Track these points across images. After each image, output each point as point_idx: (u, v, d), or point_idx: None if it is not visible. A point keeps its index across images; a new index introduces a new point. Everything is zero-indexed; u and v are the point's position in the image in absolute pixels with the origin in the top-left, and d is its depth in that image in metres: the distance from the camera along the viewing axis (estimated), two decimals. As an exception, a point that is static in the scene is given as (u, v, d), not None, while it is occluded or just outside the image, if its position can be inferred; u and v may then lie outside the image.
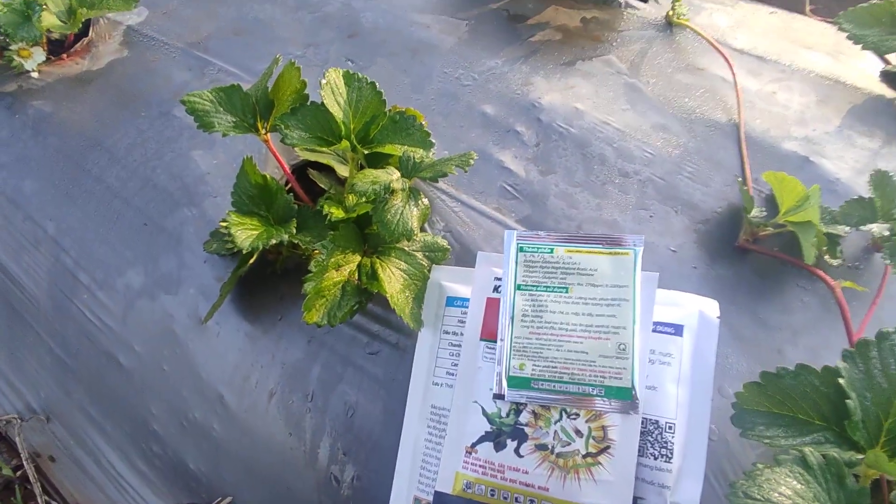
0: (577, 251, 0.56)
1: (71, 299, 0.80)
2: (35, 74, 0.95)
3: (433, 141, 0.65)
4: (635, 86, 0.84)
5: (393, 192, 0.58)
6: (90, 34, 1.01)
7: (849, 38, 0.82)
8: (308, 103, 0.67)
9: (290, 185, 0.72)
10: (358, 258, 0.63)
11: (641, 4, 0.97)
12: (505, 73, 0.87)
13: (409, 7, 0.99)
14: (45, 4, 0.91)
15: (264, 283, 0.70)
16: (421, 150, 0.65)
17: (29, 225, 0.84)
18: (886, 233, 0.60)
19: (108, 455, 0.80)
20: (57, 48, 0.99)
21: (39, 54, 0.95)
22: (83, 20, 0.95)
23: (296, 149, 0.74)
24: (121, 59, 0.97)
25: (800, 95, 0.82)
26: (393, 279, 0.61)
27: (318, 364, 0.66)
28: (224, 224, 0.67)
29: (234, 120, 0.67)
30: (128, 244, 0.78)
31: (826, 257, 0.64)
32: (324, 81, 0.65)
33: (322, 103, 0.65)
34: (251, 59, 0.93)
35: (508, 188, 0.75)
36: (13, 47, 0.93)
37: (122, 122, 0.88)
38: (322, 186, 0.75)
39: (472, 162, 0.60)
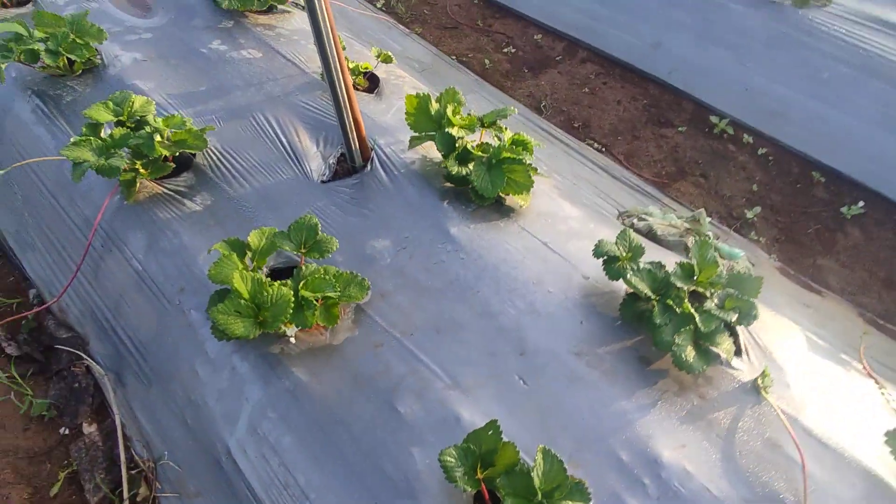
0: None
1: (306, 536, 1.13)
2: (293, 340, 1.33)
3: None
4: (729, 453, 1.16)
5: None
6: (330, 308, 1.39)
7: None
8: (517, 468, 1.02)
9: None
10: None
11: (739, 364, 1.31)
12: (636, 419, 1.20)
13: (564, 332, 1.34)
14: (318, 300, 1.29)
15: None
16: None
17: (282, 471, 1.19)
18: None
19: None
20: (305, 315, 1.37)
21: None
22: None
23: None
24: (353, 338, 1.34)
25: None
26: None
27: None
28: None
29: (467, 472, 1.01)
30: (360, 515, 1.11)
31: None
32: (532, 463, 0.99)
33: (529, 472, 0.99)
34: (450, 362, 1.29)
35: (635, 535, 1.06)
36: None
37: (357, 403, 1.23)
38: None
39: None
